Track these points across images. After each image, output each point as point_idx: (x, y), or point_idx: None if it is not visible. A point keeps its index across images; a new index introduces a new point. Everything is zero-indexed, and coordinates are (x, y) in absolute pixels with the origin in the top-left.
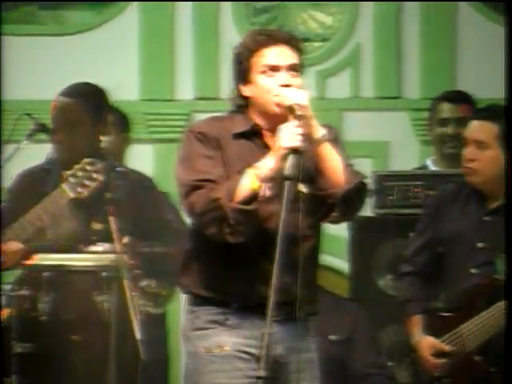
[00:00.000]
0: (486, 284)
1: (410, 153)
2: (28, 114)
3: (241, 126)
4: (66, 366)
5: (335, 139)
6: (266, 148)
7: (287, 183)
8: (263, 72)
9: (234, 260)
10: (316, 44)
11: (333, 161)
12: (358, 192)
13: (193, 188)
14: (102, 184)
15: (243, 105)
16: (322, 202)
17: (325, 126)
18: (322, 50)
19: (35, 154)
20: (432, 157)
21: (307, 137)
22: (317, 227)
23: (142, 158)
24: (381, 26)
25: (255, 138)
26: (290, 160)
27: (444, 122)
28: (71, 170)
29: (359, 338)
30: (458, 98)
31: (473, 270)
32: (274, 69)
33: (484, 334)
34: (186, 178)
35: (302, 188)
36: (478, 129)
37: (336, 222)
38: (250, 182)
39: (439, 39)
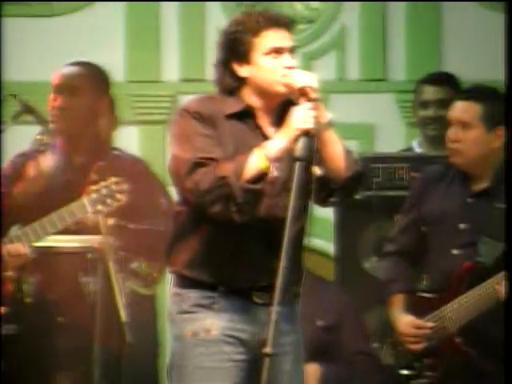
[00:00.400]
0: (468, 266)
1: (395, 135)
2: (13, 95)
3: (233, 106)
4: (51, 347)
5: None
6: (258, 129)
7: (298, 164)
8: (267, 53)
9: (223, 242)
10: (301, 26)
11: (336, 147)
12: (357, 180)
13: (196, 165)
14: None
15: (236, 85)
16: (324, 187)
17: None
18: (307, 32)
19: (20, 136)
20: (417, 139)
21: (315, 121)
22: (305, 209)
23: (127, 140)
24: (366, 7)
25: (248, 119)
26: (302, 142)
27: (425, 104)
28: (96, 185)
29: (346, 323)
30: (440, 79)
31: (455, 251)
32: (278, 51)
33: (465, 316)
34: (186, 156)
35: (317, 170)
36: (461, 109)
37: (328, 205)
38: (258, 161)
39: (425, 21)
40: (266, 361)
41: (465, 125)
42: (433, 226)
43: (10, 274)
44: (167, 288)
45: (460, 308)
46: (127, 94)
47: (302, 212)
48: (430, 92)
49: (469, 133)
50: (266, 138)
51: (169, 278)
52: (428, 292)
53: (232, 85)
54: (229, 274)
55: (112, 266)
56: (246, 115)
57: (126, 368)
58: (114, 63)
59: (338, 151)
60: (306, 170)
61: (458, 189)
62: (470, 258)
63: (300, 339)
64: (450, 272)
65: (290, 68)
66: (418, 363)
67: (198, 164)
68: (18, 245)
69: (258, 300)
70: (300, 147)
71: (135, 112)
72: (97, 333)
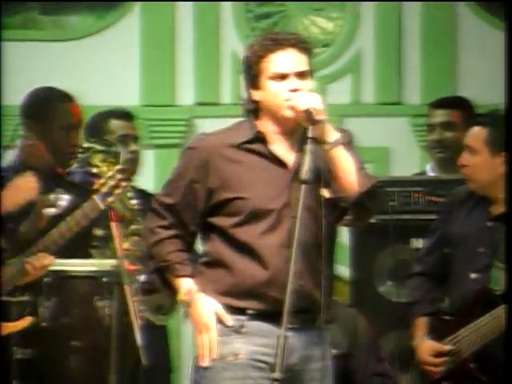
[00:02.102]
0: (480, 291)
1: (410, 159)
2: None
3: (244, 135)
4: (66, 371)
5: (349, 142)
6: (270, 154)
7: (303, 187)
8: (272, 78)
9: (251, 268)
10: (317, 50)
11: (346, 165)
12: (371, 196)
13: (152, 210)
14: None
15: (254, 109)
16: (335, 206)
17: (338, 129)
18: (322, 56)
19: None
20: (430, 163)
21: (321, 141)
22: (331, 231)
23: (142, 163)
24: (382, 31)
25: (260, 145)
26: (307, 164)
27: (431, 128)
28: (102, 179)
29: (360, 349)
30: (447, 103)
31: (472, 275)
32: (283, 76)
33: (477, 342)
34: (157, 196)
35: (325, 193)
36: (469, 134)
37: (350, 225)
38: (179, 289)
39: (440, 45)
40: None
41: (471, 150)
42: (455, 248)
43: (25, 298)
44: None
45: (473, 333)
46: (142, 118)
47: (324, 235)
48: (435, 115)
49: (475, 158)
50: (279, 162)
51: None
52: (449, 314)
53: (249, 108)
54: (257, 299)
55: (127, 290)
56: (257, 141)
57: None
58: (129, 87)
59: (349, 168)
60: (316, 193)
61: (479, 212)
62: (485, 282)
63: (329, 365)
64: (466, 296)
65: (294, 91)
66: None
67: (155, 211)
68: (41, 255)
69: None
70: (305, 170)
71: (150, 136)
72: (112, 357)
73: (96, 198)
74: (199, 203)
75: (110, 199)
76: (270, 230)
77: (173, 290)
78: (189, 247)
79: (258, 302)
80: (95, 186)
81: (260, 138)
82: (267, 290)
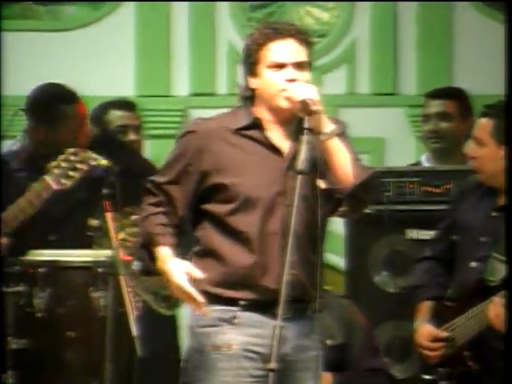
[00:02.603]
0: (478, 281)
1: (406, 149)
2: (23, 109)
3: (242, 120)
4: (61, 362)
5: (343, 133)
6: (266, 141)
7: (299, 178)
8: (270, 66)
9: (244, 258)
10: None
11: (342, 156)
12: (366, 187)
13: (146, 190)
14: (85, 174)
15: (250, 97)
16: (330, 197)
17: (332, 119)
18: (318, 46)
19: None
20: (425, 153)
21: (317, 131)
22: (324, 222)
23: (144, 153)
24: (377, 21)
25: (256, 131)
26: (303, 154)
27: (427, 118)
28: (55, 162)
29: (355, 339)
30: (442, 93)
31: (472, 264)
32: (281, 65)
33: (472, 330)
34: (157, 172)
35: (321, 183)
36: (476, 126)
37: (345, 216)
38: (157, 258)
39: (435, 35)
40: (271, 376)
41: (478, 141)
42: (461, 235)
43: (21, 288)
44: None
45: (467, 322)
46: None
47: (319, 226)
48: (431, 106)
49: (482, 150)
50: (274, 149)
51: None
52: (450, 301)
53: (246, 96)
54: (249, 289)
55: (123, 280)
56: (254, 128)
57: (138, 382)
58: (125, 78)
59: (344, 160)
60: (311, 184)
61: (486, 201)
62: (483, 272)
63: (320, 355)
64: (465, 284)
65: (291, 81)
66: (436, 372)
67: (148, 190)
68: None
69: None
70: (301, 160)
71: (146, 126)
72: (107, 347)
73: (47, 178)
74: (192, 186)
75: (64, 181)
76: (264, 218)
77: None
78: (176, 229)
79: (250, 291)
80: (48, 167)
81: (257, 125)
82: (259, 280)
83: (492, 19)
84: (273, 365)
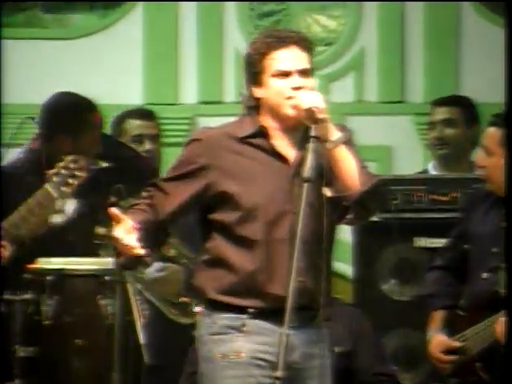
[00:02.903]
0: (491, 292)
1: (413, 157)
2: (32, 118)
3: (247, 129)
4: (69, 370)
5: (349, 141)
6: (272, 149)
7: (306, 186)
8: (274, 75)
9: (252, 266)
10: (320, 48)
11: (348, 163)
12: (372, 194)
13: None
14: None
15: (255, 106)
16: (337, 204)
17: (339, 126)
18: (325, 54)
19: None
20: (432, 161)
21: (323, 139)
22: (331, 230)
23: (161, 162)
24: (385, 29)
25: (262, 140)
26: (310, 162)
27: (433, 125)
28: (54, 169)
29: (363, 346)
30: (448, 101)
31: (484, 275)
32: (286, 73)
33: (484, 341)
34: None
35: (327, 191)
36: (485, 135)
37: (351, 223)
38: None
39: (443, 43)
40: None
41: (487, 150)
42: (472, 245)
43: (28, 296)
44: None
45: (480, 333)
46: None
47: (327, 234)
48: (437, 113)
49: (490, 159)
50: (280, 157)
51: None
52: (463, 310)
53: (251, 105)
54: (257, 297)
55: (130, 288)
56: (260, 136)
57: None
58: (132, 86)
59: (350, 167)
60: (317, 192)
61: (495, 211)
62: (496, 284)
63: (328, 364)
64: (476, 295)
65: (297, 89)
66: (447, 380)
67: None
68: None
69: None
70: (308, 168)
71: None
72: (115, 355)
73: (48, 185)
74: (190, 191)
75: (64, 189)
76: (271, 226)
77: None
78: (158, 225)
79: (258, 299)
80: (47, 175)
81: (262, 133)
82: (267, 288)
83: (499, 26)
84: (279, 373)
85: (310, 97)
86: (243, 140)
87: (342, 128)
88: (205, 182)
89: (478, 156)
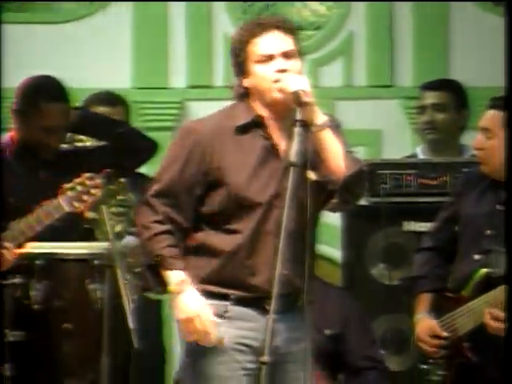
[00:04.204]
0: (482, 274)
1: (402, 141)
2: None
3: (242, 118)
4: (58, 354)
5: (336, 127)
6: (267, 139)
7: (292, 169)
8: (258, 61)
9: (234, 253)
10: (309, 32)
11: (334, 148)
12: (357, 179)
13: (145, 203)
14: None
15: (244, 95)
16: (322, 189)
17: (327, 116)
18: (314, 39)
19: None
20: (421, 145)
21: (309, 123)
22: (315, 215)
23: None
24: (373, 14)
25: (257, 129)
26: (295, 146)
27: (423, 109)
28: (70, 184)
29: (352, 329)
30: (438, 85)
31: (476, 256)
32: (269, 57)
33: (471, 322)
34: (153, 185)
35: (311, 175)
36: (484, 117)
37: (336, 209)
38: (170, 281)
39: (432, 27)
40: (263, 369)
41: (487, 132)
42: (464, 227)
43: (17, 280)
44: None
45: (468, 313)
46: (134, 101)
47: (311, 219)
48: (427, 97)
49: (490, 141)
50: (274, 148)
51: None
52: (451, 292)
53: (241, 94)
54: (240, 283)
55: (119, 273)
56: (255, 126)
57: (134, 375)
58: (122, 70)
59: (336, 152)
60: (303, 176)
61: (490, 194)
62: (487, 265)
63: (309, 347)
64: (467, 276)
65: (282, 71)
66: (434, 362)
67: (147, 203)
68: (1, 251)
69: (269, 308)
70: (293, 152)
71: (143, 119)
72: (104, 340)
73: (61, 199)
74: (195, 187)
75: (77, 204)
76: (259, 219)
77: (165, 287)
78: (183, 233)
79: (240, 290)
80: (62, 188)
81: (258, 123)
82: (251, 279)
83: (488, 11)
84: (265, 358)
85: (296, 80)
86: (237, 129)
87: (331, 118)
88: (200, 173)
89: (477, 138)
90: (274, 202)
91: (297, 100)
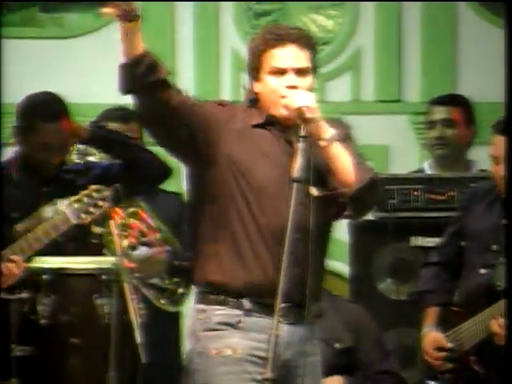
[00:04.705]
0: (487, 286)
1: (410, 156)
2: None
3: (257, 118)
4: (65, 369)
5: (347, 135)
6: (282, 136)
7: (295, 185)
8: (270, 73)
9: (248, 261)
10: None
11: (343, 160)
12: (368, 189)
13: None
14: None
15: (255, 99)
16: (333, 202)
17: (336, 121)
18: (322, 54)
19: None
20: (428, 160)
21: (316, 138)
22: (327, 227)
23: None
24: (381, 29)
25: (271, 128)
26: (299, 162)
27: (432, 124)
28: (77, 196)
29: (365, 344)
30: (448, 100)
31: (482, 270)
32: (281, 71)
33: (479, 335)
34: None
35: (313, 191)
36: (493, 146)
37: (351, 218)
38: None
39: (440, 43)
40: None
41: (498, 160)
42: (470, 242)
43: (24, 295)
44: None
45: (474, 327)
46: None
47: (324, 230)
48: (436, 112)
49: (501, 167)
50: (289, 143)
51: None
52: (457, 306)
53: (252, 98)
54: (254, 294)
55: (127, 287)
56: (269, 125)
57: None
58: None
59: (345, 164)
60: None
61: (497, 209)
62: (493, 279)
63: (319, 361)
64: (473, 290)
65: (292, 87)
66: (441, 377)
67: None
68: (8, 265)
69: (281, 320)
70: (297, 167)
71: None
72: (111, 355)
73: (67, 211)
74: (202, 131)
75: (84, 216)
76: (266, 220)
77: None
78: None
79: (252, 293)
80: (69, 200)
81: (270, 121)
82: (265, 285)
83: (497, 26)
84: (268, 374)
85: (301, 96)
86: (254, 127)
87: (340, 123)
88: (210, 139)
89: (495, 169)
90: (281, 204)
91: (300, 116)
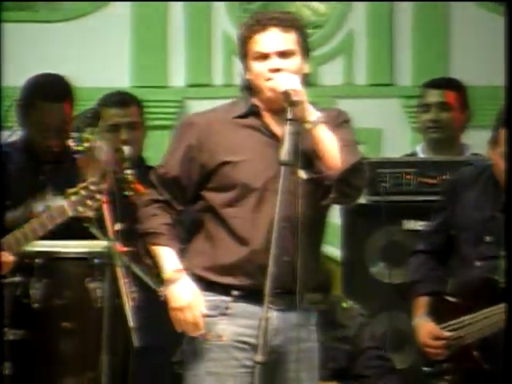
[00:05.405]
0: (486, 280)
1: (402, 140)
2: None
3: (239, 109)
4: (57, 353)
5: (341, 123)
6: (264, 127)
7: (283, 169)
8: (255, 58)
9: (237, 247)
10: (309, 31)
11: (328, 143)
12: (354, 172)
13: (151, 183)
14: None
15: (248, 87)
16: (319, 185)
17: (334, 110)
18: (314, 37)
19: None
20: (421, 144)
21: (301, 120)
22: (319, 211)
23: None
24: (374, 12)
25: (254, 118)
26: (287, 145)
27: (427, 108)
28: (74, 188)
29: (361, 344)
30: (443, 84)
31: (477, 263)
32: (264, 56)
33: (482, 332)
34: (157, 170)
35: (302, 174)
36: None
37: (340, 202)
38: (164, 269)
39: (432, 26)
40: (258, 369)
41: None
42: (461, 231)
43: (17, 279)
44: None
45: (478, 323)
46: None
47: (315, 214)
48: (431, 95)
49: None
50: (271, 134)
51: None
52: (452, 296)
53: (245, 86)
54: (242, 279)
55: (119, 271)
56: (251, 115)
57: (135, 373)
58: (120, 68)
59: (330, 147)
60: (293, 174)
61: (489, 199)
62: (490, 272)
63: (316, 347)
64: (471, 282)
65: (275, 70)
66: (438, 366)
67: (150, 183)
68: (2, 254)
69: (271, 306)
70: (285, 150)
71: None
72: (104, 338)
73: (65, 203)
74: (194, 175)
75: (81, 209)
76: (258, 206)
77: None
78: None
79: (240, 279)
80: (66, 192)
81: (253, 112)
82: (250, 268)
83: (488, 10)
84: (259, 357)
85: (286, 79)
86: (235, 120)
87: (338, 112)
88: (199, 162)
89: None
90: (270, 188)
91: (287, 99)
